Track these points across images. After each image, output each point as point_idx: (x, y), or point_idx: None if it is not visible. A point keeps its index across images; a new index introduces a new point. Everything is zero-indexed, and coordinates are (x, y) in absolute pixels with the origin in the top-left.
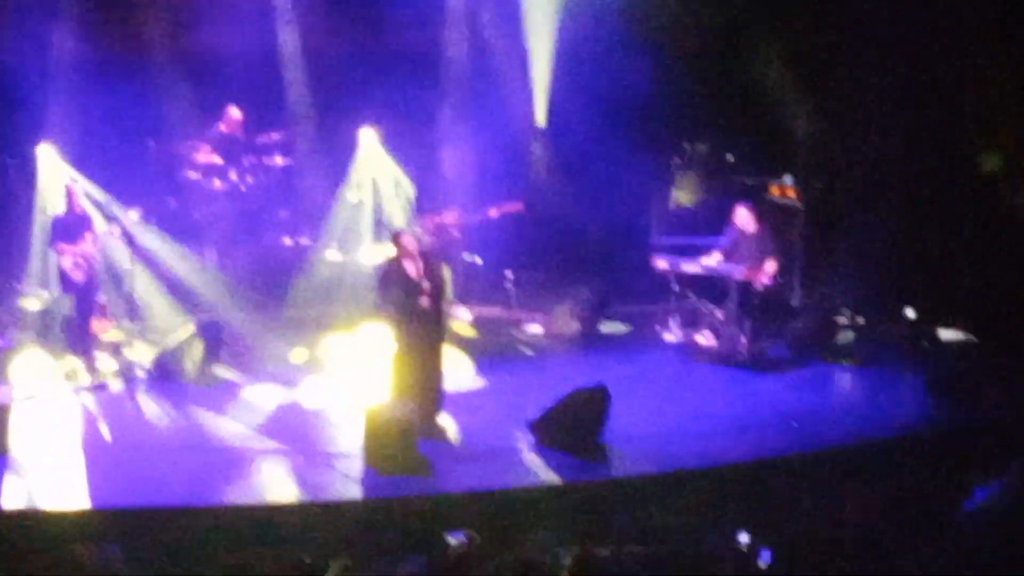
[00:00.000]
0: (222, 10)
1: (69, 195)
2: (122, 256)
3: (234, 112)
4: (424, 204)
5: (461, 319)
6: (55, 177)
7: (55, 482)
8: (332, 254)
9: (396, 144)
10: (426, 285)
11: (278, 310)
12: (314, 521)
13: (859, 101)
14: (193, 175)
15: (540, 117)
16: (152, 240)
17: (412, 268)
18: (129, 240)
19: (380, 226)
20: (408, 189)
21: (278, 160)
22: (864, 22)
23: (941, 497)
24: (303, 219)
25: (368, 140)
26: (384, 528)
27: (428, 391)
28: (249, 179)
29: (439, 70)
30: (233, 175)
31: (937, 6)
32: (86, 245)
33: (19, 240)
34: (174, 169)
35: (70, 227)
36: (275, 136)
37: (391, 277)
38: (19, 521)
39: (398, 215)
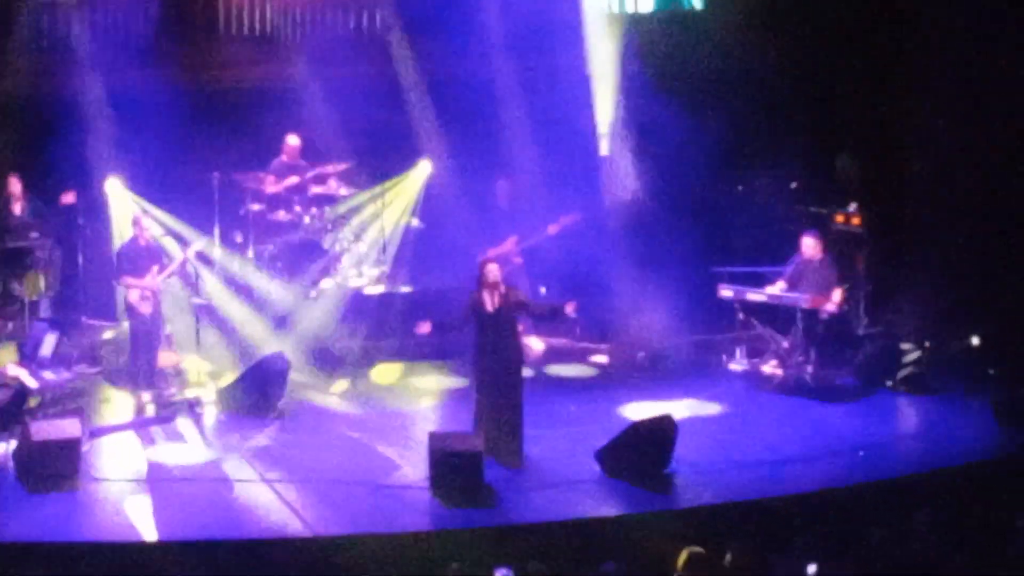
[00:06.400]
0: (282, 45)
1: (136, 226)
2: (188, 288)
3: (292, 140)
4: (486, 235)
5: (533, 349)
6: (125, 210)
7: (123, 515)
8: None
9: (455, 174)
10: (501, 317)
11: (345, 341)
12: (377, 553)
13: (925, 126)
14: (256, 207)
15: (603, 146)
16: (217, 273)
17: (489, 299)
18: (195, 273)
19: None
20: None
21: (342, 191)
22: (931, 50)
23: (1009, 525)
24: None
25: (423, 170)
26: (447, 560)
27: (503, 422)
28: (313, 210)
29: (500, 100)
30: (297, 207)
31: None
32: (152, 277)
33: (84, 273)
34: (238, 202)
35: (136, 259)
36: (339, 166)
37: (470, 307)
38: (89, 555)
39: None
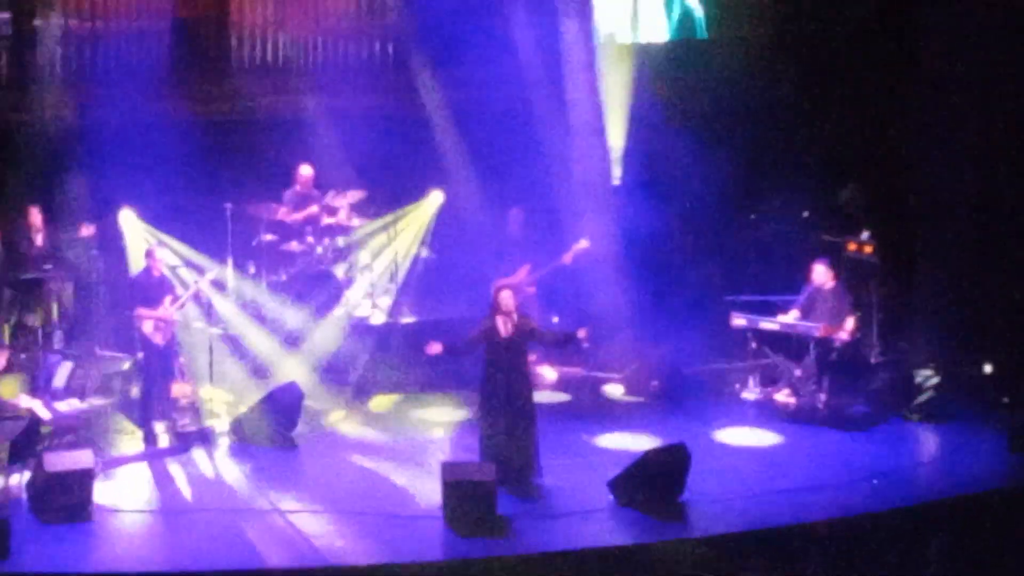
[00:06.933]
0: (294, 75)
1: (149, 258)
2: (201, 319)
3: (305, 170)
4: (499, 264)
5: (546, 379)
6: (139, 241)
7: (136, 546)
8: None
9: (467, 203)
10: (514, 344)
11: (356, 372)
12: None
13: (936, 153)
14: (269, 237)
15: (616, 175)
16: (228, 305)
17: (503, 326)
18: (208, 303)
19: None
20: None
21: (354, 221)
22: (940, 76)
23: (1022, 554)
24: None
25: (435, 200)
26: None
27: (516, 450)
28: (326, 240)
29: (512, 129)
30: (309, 237)
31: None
32: (166, 308)
33: (98, 304)
34: (251, 232)
35: (149, 290)
36: (351, 196)
37: (482, 333)
38: None
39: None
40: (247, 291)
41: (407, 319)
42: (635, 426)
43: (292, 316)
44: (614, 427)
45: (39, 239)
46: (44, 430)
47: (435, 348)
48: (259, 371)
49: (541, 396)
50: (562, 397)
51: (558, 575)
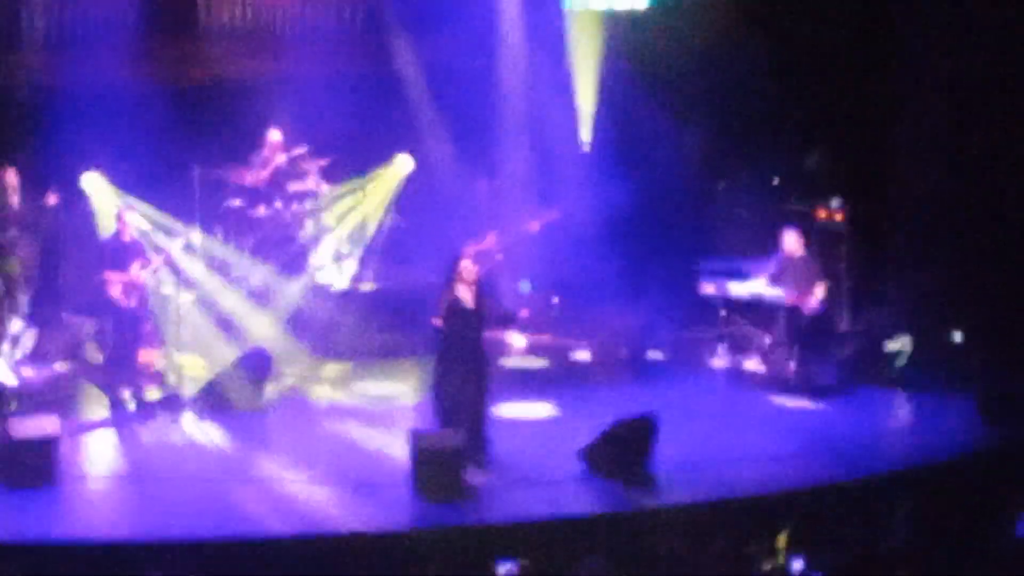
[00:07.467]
0: (264, 40)
1: (119, 221)
2: (170, 284)
3: (274, 135)
4: (466, 231)
5: (515, 346)
6: (107, 205)
7: (102, 513)
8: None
9: (435, 169)
10: (478, 314)
11: (324, 338)
12: (360, 551)
13: (908, 122)
14: (237, 202)
15: (584, 137)
16: (198, 268)
17: (466, 296)
18: (176, 268)
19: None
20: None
21: (322, 187)
22: (912, 43)
23: (991, 521)
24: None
25: (403, 166)
26: (431, 558)
27: (476, 419)
28: (294, 206)
29: (482, 96)
30: (277, 203)
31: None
32: (135, 272)
33: (65, 268)
34: (218, 196)
35: (119, 253)
36: (319, 161)
37: (445, 304)
38: (65, 554)
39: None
40: (215, 254)
41: (369, 285)
42: (604, 394)
43: (259, 278)
44: (582, 395)
45: (14, 201)
46: (9, 396)
47: (438, 321)
48: (228, 335)
49: (511, 363)
50: (535, 363)
51: (528, 543)
